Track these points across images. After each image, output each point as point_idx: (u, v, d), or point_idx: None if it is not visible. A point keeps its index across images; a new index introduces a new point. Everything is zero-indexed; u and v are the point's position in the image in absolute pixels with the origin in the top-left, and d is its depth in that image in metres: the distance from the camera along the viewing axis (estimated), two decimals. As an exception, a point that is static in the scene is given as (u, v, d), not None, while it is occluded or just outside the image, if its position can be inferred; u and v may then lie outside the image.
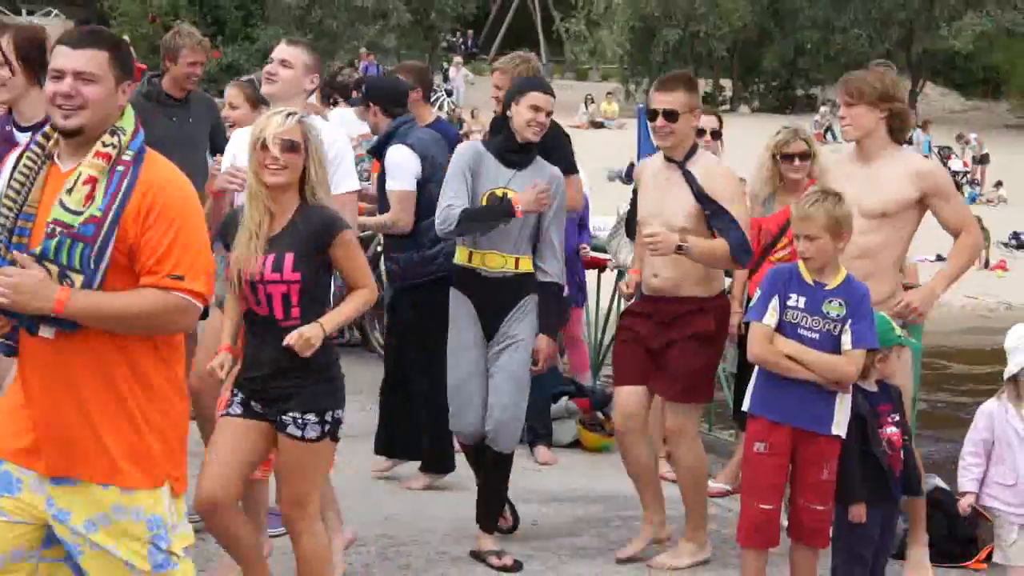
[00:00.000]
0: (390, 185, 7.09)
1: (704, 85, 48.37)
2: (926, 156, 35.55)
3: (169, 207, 3.70)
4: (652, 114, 6.13)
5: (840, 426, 5.28)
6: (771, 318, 5.26)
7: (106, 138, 3.71)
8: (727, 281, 7.01)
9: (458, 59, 44.69)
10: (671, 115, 6.06)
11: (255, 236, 4.68)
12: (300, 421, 4.68)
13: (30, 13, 41.46)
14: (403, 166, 7.03)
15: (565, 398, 8.71)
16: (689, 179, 6.07)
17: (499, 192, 6.11)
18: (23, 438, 3.72)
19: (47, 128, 3.78)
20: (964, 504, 5.36)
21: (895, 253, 5.99)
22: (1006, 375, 5.33)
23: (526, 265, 6.18)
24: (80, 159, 3.69)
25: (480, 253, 6.14)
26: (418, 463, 7.41)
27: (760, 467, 5.30)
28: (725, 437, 8.94)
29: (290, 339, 4.58)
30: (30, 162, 3.73)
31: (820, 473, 5.30)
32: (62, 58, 3.71)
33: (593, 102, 42.07)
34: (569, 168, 6.99)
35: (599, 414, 8.71)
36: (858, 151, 5.99)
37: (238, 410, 4.77)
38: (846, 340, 5.23)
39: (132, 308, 3.65)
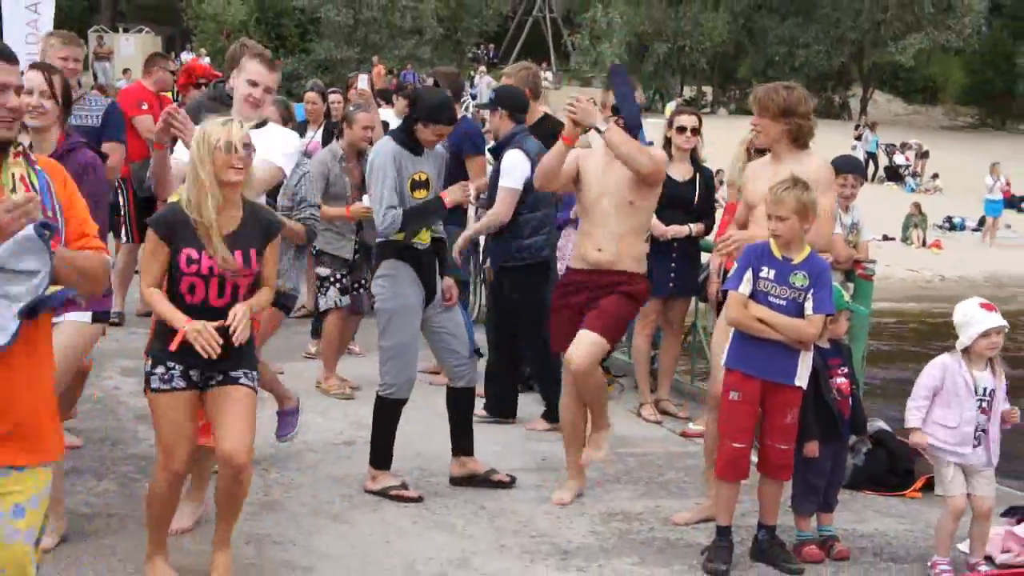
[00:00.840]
0: (503, 183, 7.22)
1: (688, 91, 48.23)
2: (872, 152, 35.55)
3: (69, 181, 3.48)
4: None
5: (802, 378, 5.28)
6: (746, 287, 5.25)
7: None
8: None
9: (482, 68, 44.53)
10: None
11: (219, 234, 4.48)
12: (250, 375, 4.61)
13: (126, 30, 41.47)
14: (517, 167, 7.17)
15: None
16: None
17: (420, 176, 5.97)
18: None
19: None
20: (916, 438, 5.30)
21: None
22: (959, 346, 5.28)
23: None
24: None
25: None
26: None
27: (735, 412, 5.29)
28: (703, 387, 8.91)
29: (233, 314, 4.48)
30: None
31: (785, 418, 5.29)
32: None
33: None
34: None
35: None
36: (771, 154, 5.90)
37: (182, 383, 4.56)
38: (808, 307, 5.22)
39: (93, 265, 3.40)
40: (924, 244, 26.17)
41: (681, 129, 7.74)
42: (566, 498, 6.12)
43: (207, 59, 32.20)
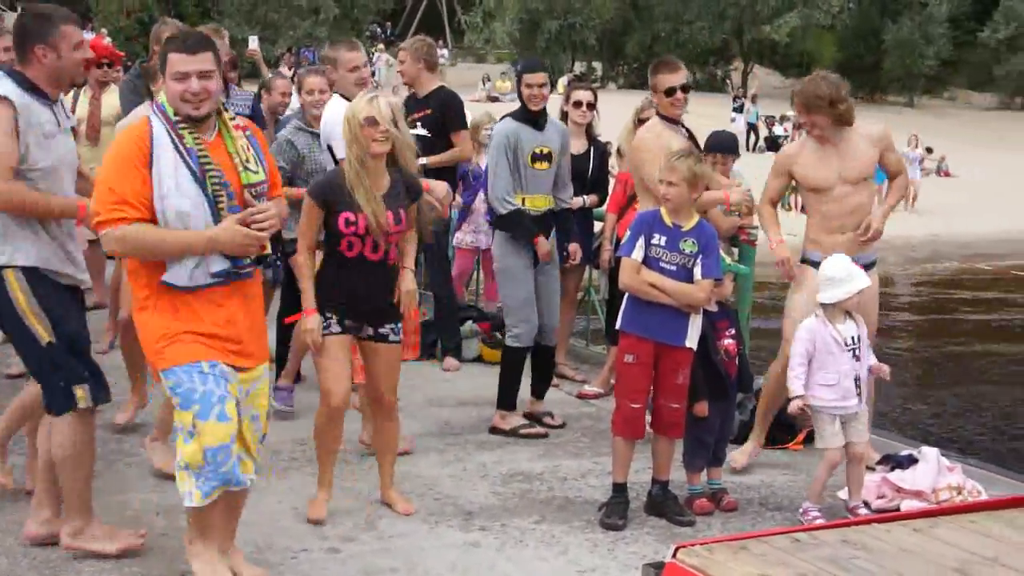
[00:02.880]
0: None
1: (579, 67, 48.35)
2: (753, 123, 36.02)
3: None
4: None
5: (692, 340, 5.32)
6: (638, 254, 5.27)
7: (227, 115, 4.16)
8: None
9: (380, 46, 44.11)
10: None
11: (374, 196, 4.90)
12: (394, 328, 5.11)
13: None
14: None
15: (470, 321, 8.69)
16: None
17: (538, 150, 6.54)
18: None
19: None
20: (795, 406, 5.38)
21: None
22: (831, 299, 5.35)
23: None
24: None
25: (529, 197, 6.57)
26: None
27: (630, 374, 5.32)
28: (598, 351, 8.99)
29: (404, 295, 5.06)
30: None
31: (677, 378, 5.33)
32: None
33: (489, 80, 41.78)
34: (461, 125, 7.56)
35: (496, 334, 8.70)
36: (818, 138, 6.01)
37: (338, 328, 5.03)
38: (697, 272, 5.26)
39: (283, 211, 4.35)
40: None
41: (577, 104, 7.74)
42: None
43: (108, 39, 31.34)
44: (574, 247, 7.06)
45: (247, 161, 4.06)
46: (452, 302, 8.39)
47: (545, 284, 6.68)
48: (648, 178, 5.92)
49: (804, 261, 6.18)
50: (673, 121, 6.23)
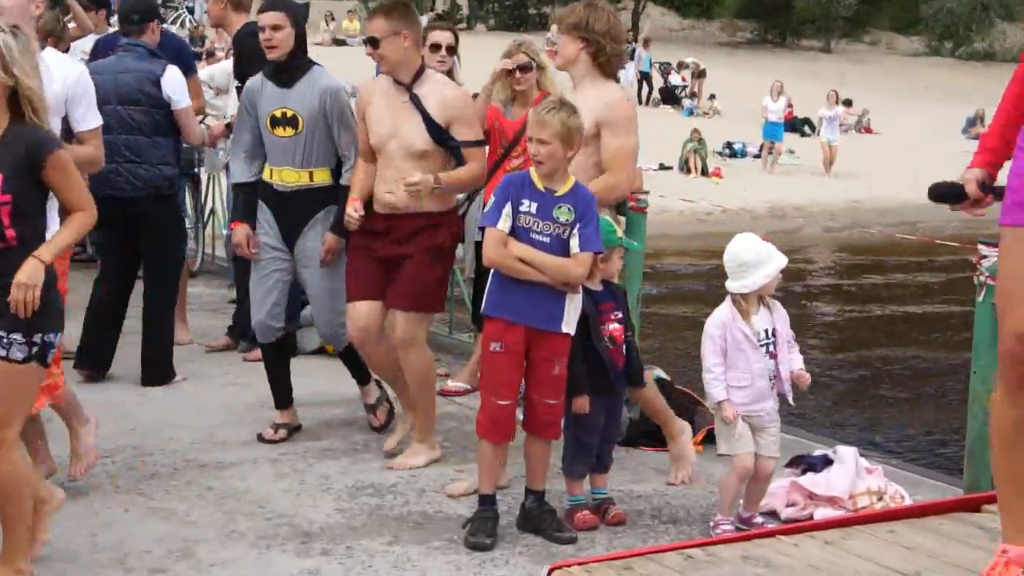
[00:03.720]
0: None
1: (442, 4, 48.21)
2: (646, 72, 36.43)
3: None
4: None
5: (570, 324, 5.34)
6: (505, 223, 5.26)
7: None
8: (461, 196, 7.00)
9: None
10: (373, 42, 6.05)
11: None
12: (5, 340, 4.29)
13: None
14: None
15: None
16: (418, 104, 6.00)
17: (278, 113, 6.37)
18: None
19: None
20: (730, 414, 5.41)
21: (585, 179, 5.88)
22: (745, 288, 5.38)
23: (322, 177, 6.43)
24: None
25: (277, 169, 6.44)
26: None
27: (497, 365, 5.32)
28: (464, 339, 8.98)
29: (12, 297, 4.23)
30: None
31: (552, 369, 5.35)
32: None
33: (334, 19, 41.39)
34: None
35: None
36: (572, 80, 5.98)
37: None
38: (574, 244, 5.27)
39: None
40: (704, 173, 27.09)
41: (435, 47, 7.60)
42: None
43: None
44: (329, 239, 6.43)
45: None
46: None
47: (310, 282, 6.58)
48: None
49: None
50: None
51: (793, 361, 5.50)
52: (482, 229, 5.43)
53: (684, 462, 6.21)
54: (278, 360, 6.71)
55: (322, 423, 6.93)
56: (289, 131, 6.38)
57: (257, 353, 8.24)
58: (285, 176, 6.43)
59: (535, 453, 5.52)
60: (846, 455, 5.98)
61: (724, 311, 5.44)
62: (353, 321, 6.21)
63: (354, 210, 6.13)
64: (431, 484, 6.03)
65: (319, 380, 7.66)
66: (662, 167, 26.20)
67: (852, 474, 5.86)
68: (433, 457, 6.28)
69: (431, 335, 8.61)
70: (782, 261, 5.39)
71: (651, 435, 6.74)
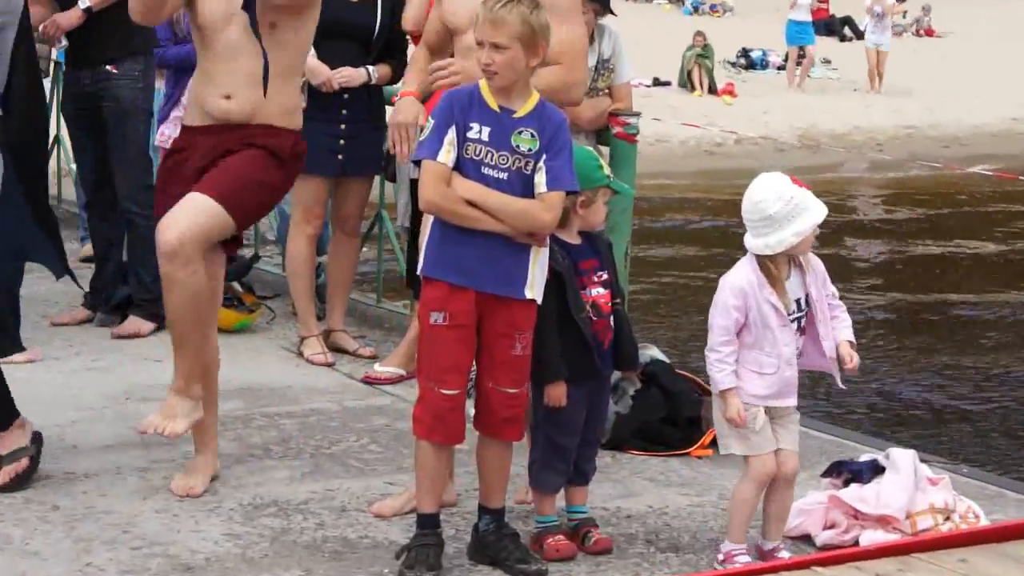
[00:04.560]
0: None
1: None
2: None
3: None
4: None
5: (535, 288, 5.34)
6: (447, 155, 5.24)
7: None
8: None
9: None
10: None
11: None
12: None
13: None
14: None
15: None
16: None
17: None
18: None
19: None
20: (735, 410, 5.35)
21: None
22: (774, 247, 5.34)
23: None
24: None
25: None
26: None
27: (440, 343, 5.31)
28: (396, 309, 8.97)
29: None
30: None
31: (512, 347, 5.34)
32: None
33: None
34: None
35: (236, 285, 8.61)
36: None
37: None
38: (540, 180, 5.26)
39: None
40: (712, 90, 27.15)
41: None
42: (197, 487, 6.07)
43: None
44: None
45: None
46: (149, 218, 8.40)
47: None
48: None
49: None
50: None
51: (839, 330, 5.50)
52: (417, 163, 5.40)
53: None
54: None
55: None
56: None
57: (130, 326, 8.22)
58: None
59: (491, 459, 5.52)
60: (901, 461, 6.00)
61: (746, 272, 5.40)
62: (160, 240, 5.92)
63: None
64: (353, 501, 6.03)
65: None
66: (657, 82, 26.27)
67: (910, 486, 5.89)
68: (196, 418, 6.08)
69: (352, 304, 8.63)
70: (820, 213, 5.35)
71: (646, 434, 6.76)
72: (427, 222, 5.55)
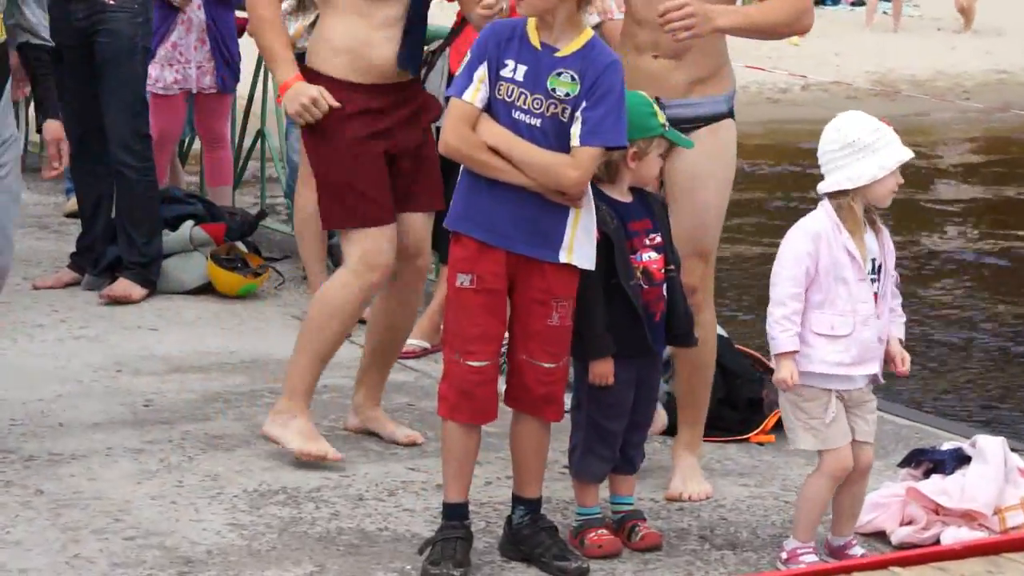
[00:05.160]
0: None
1: None
2: None
3: None
4: None
5: (576, 251, 5.35)
6: (475, 94, 5.24)
7: None
8: None
9: None
10: None
11: None
12: None
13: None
14: None
15: (189, 223, 8.62)
16: None
17: None
18: None
19: None
20: (786, 375, 5.36)
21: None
22: (852, 182, 5.32)
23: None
24: None
25: None
26: None
27: (467, 308, 5.32)
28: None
29: None
30: None
31: (548, 316, 5.36)
32: None
33: None
34: None
35: (240, 245, 8.63)
36: None
37: None
38: (574, 132, 5.25)
39: None
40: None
41: None
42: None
43: None
44: (55, 129, 6.88)
45: None
46: (149, 186, 8.47)
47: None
48: None
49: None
50: None
51: (894, 323, 5.51)
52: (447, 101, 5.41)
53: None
54: None
55: (209, 397, 6.96)
56: None
57: (119, 288, 8.25)
58: None
59: (526, 441, 5.53)
60: (989, 449, 5.99)
61: (820, 216, 5.40)
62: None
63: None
64: (371, 489, 6.07)
65: (204, 331, 7.67)
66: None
67: (999, 477, 5.88)
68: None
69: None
70: (905, 152, 5.35)
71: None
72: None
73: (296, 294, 8.69)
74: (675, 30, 5.69)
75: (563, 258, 5.33)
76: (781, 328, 5.36)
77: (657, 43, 5.96)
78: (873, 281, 5.42)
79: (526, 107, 5.25)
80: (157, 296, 8.39)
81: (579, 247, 5.35)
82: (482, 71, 5.26)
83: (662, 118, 5.64)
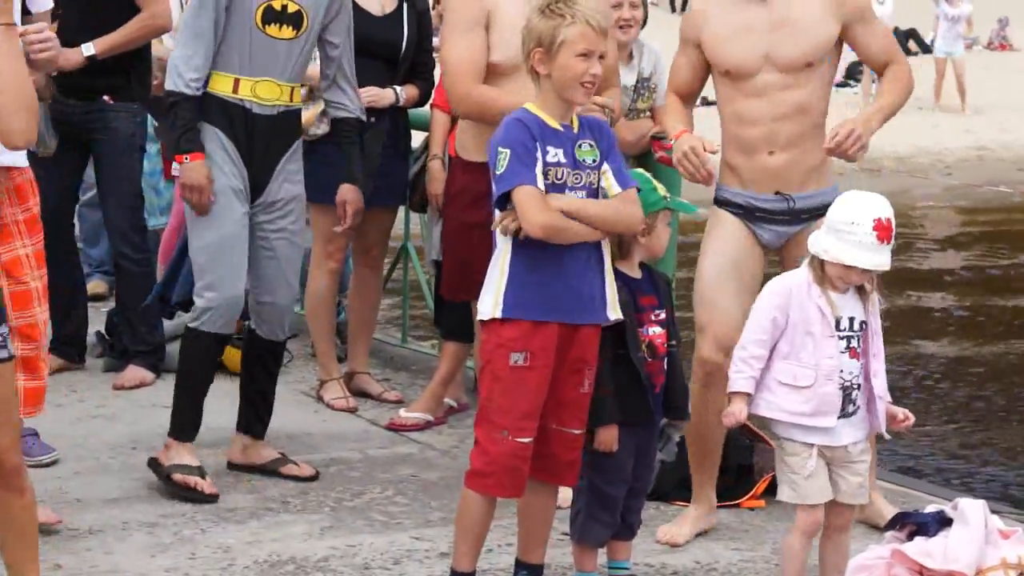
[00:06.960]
0: None
1: None
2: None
3: None
4: None
5: (616, 308, 5.43)
6: (540, 179, 5.27)
7: None
8: None
9: None
10: None
11: None
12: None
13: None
14: None
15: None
16: None
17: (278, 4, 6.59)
18: None
19: None
20: (735, 414, 5.44)
21: (824, 105, 6.37)
22: (822, 256, 5.38)
23: (299, 97, 6.89)
24: None
25: (251, 81, 6.64)
26: None
27: (521, 385, 5.30)
28: (424, 350, 9.00)
29: None
30: None
31: (580, 384, 5.40)
32: None
33: None
34: None
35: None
36: None
37: None
38: (609, 184, 5.37)
39: None
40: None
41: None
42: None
43: None
44: (349, 191, 7.14)
45: None
46: (147, 276, 8.47)
47: (271, 244, 6.83)
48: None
49: (716, 202, 6.42)
50: None
51: (876, 385, 5.55)
52: (504, 195, 5.32)
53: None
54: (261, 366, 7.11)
55: (220, 471, 6.97)
56: (288, 31, 6.59)
57: (132, 376, 8.21)
58: (263, 92, 6.65)
59: (539, 509, 5.55)
60: (971, 512, 5.98)
61: (799, 273, 5.50)
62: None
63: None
64: (377, 558, 6.07)
65: (215, 408, 7.66)
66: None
67: (980, 539, 5.87)
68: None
69: (375, 345, 8.65)
70: (869, 262, 5.35)
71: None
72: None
73: (305, 371, 8.68)
74: (846, 150, 6.08)
75: (611, 316, 5.42)
76: (736, 369, 5.50)
77: (772, 140, 6.19)
78: (848, 337, 5.47)
79: (573, 183, 5.34)
80: (171, 374, 8.36)
81: (614, 303, 5.45)
82: (538, 156, 5.29)
83: (662, 191, 5.72)
